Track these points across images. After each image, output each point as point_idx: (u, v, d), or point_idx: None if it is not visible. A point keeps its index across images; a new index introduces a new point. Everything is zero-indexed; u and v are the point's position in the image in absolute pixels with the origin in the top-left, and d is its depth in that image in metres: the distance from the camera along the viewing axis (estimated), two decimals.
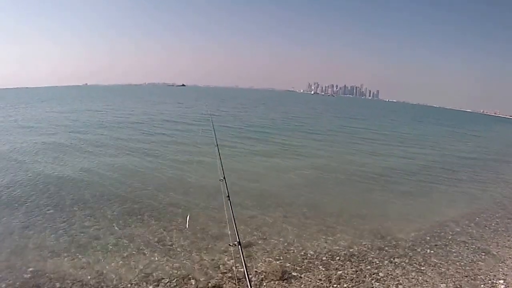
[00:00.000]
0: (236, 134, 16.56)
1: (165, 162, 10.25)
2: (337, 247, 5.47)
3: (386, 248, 5.58)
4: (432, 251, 5.60)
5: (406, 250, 5.58)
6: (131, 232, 5.43)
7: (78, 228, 5.48)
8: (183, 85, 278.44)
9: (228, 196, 3.34)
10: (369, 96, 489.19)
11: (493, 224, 7.13)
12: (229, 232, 3.53)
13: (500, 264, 5.26)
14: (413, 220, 7.03)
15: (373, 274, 4.70)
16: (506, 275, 4.91)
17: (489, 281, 4.71)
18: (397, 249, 5.56)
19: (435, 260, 5.28)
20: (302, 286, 4.26)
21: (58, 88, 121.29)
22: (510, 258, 5.50)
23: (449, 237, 6.24)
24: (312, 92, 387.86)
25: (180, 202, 6.99)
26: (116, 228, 5.56)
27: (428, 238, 6.16)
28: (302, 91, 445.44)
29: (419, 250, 5.62)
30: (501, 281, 4.72)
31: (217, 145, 5.39)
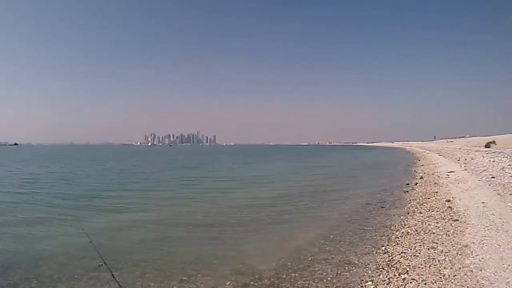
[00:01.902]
0: (69, 201, 15.55)
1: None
2: None
3: (252, 282, 6.11)
4: (297, 274, 6.36)
5: (271, 279, 6.19)
6: None
7: None
8: (15, 144, 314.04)
9: None
10: (207, 142, 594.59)
11: (347, 238, 8.66)
12: None
13: (364, 269, 6.39)
14: (271, 251, 7.93)
15: None
16: (372, 276, 5.89)
17: (359, 286, 5.61)
18: (262, 281, 6.14)
19: (302, 282, 5.99)
20: None
21: None
22: (371, 262, 6.74)
23: (310, 258, 7.25)
24: (149, 144, 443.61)
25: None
26: None
27: (290, 263, 6.97)
28: (139, 143, 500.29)
29: (284, 276, 6.31)
30: (369, 283, 5.63)
31: None
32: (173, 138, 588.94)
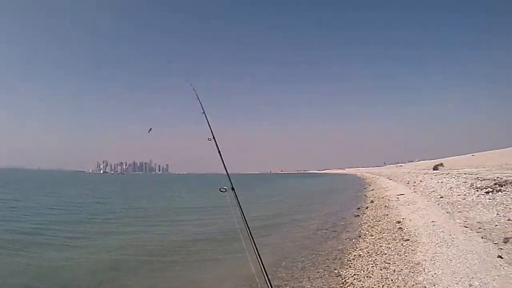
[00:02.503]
0: (13, 234, 14.41)
1: None
2: None
3: None
4: None
5: None
6: None
7: None
8: None
9: None
10: (159, 170, 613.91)
11: (299, 263, 8.71)
12: None
13: None
14: (224, 281, 8.00)
15: None
16: None
17: None
18: None
19: None
20: None
21: None
22: (324, 286, 6.83)
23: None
24: (101, 172, 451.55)
25: None
26: None
27: None
28: (91, 170, 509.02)
29: None
30: None
31: None
32: (126, 166, 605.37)
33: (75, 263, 10.07)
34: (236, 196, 4.18)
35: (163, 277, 8.50)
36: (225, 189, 4.40)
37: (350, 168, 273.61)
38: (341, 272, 7.45)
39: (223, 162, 5.01)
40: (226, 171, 5.06)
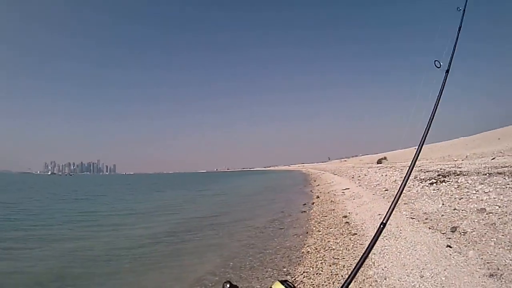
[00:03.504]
0: None
1: None
2: None
3: None
4: None
5: None
6: None
7: None
8: None
9: None
10: (107, 171, 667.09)
11: (247, 263, 8.67)
12: None
13: None
14: (171, 285, 7.81)
15: None
16: None
17: None
18: None
19: None
20: None
21: None
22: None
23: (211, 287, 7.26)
24: (49, 173, 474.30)
25: None
26: None
27: None
28: (39, 172, 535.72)
29: None
30: None
31: None
32: (73, 166, 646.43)
33: (17, 270, 9.59)
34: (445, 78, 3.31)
35: (107, 284, 8.23)
36: (440, 64, 3.60)
37: (295, 164, 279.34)
38: (290, 270, 7.48)
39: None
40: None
